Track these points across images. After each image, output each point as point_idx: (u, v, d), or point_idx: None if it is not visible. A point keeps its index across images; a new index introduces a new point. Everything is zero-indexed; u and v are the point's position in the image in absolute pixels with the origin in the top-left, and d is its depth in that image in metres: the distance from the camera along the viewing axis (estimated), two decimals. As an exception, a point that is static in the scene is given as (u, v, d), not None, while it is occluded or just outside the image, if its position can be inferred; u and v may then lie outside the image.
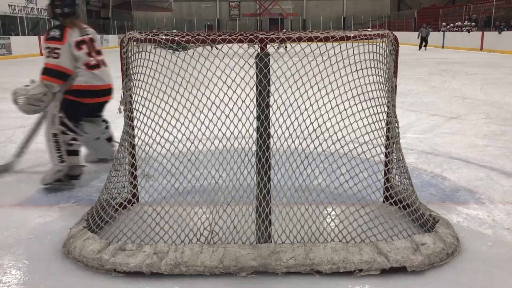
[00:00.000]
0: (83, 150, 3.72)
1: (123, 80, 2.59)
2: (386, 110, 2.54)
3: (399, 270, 2.14)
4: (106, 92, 3.50)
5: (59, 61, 3.20)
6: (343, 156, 2.51)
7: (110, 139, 3.87)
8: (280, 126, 2.32)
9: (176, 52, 2.36)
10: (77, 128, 3.39)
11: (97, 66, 3.40)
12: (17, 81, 11.03)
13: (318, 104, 2.34)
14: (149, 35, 2.35)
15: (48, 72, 3.21)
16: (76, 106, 3.31)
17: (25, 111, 3.31)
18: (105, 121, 3.82)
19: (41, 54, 21.28)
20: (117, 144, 3.78)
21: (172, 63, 2.33)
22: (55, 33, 3.25)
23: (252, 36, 2.22)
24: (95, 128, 3.65)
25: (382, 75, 2.52)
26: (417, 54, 20.69)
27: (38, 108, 3.28)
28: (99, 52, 3.48)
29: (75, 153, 3.42)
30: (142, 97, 2.47)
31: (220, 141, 2.39)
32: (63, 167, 3.30)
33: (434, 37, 26.81)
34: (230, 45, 2.24)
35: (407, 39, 29.28)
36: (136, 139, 2.56)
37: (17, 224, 2.77)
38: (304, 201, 2.42)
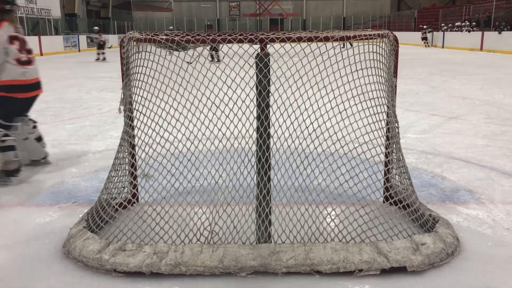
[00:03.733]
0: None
1: (123, 80, 2.59)
2: (386, 110, 2.54)
3: (399, 270, 2.14)
4: (37, 85, 3.55)
5: None
6: (343, 156, 2.51)
7: (39, 139, 3.87)
8: (280, 126, 2.32)
9: (176, 52, 2.36)
10: (9, 125, 3.42)
11: (28, 62, 3.49)
12: (17, 81, 11.02)
13: (318, 104, 2.34)
14: (149, 35, 2.35)
15: None
16: (8, 102, 3.36)
17: None
18: (32, 120, 3.83)
19: (41, 54, 21.35)
20: (46, 145, 3.88)
21: (172, 63, 2.33)
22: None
23: (252, 36, 2.22)
24: (22, 128, 3.67)
25: (382, 75, 2.51)
26: (417, 54, 20.70)
27: None
28: (29, 51, 3.59)
29: (9, 148, 3.45)
30: (142, 97, 2.47)
31: (220, 141, 2.39)
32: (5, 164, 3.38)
33: (434, 37, 27.11)
34: (230, 45, 2.24)
35: (407, 39, 29.31)
36: (136, 139, 2.56)
37: (17, 224, 2.77)
38: (304, 201, 2.42)
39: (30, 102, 3.56)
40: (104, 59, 18.07)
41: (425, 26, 28.26)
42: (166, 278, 2.12)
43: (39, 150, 3.83)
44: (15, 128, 3.50)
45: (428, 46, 27.32)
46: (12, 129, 3.46)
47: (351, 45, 2.42)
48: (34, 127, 3.82)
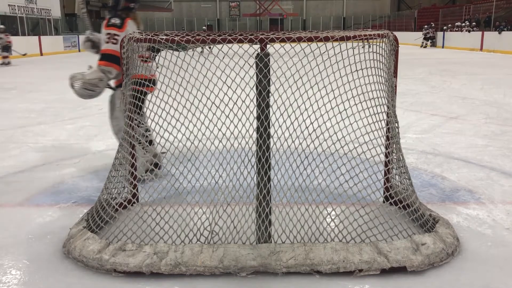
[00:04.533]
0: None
1: (123, 80, 2.59)
2: (386, 110, 2.54)
3: (399, 270, 2.14)
4: (154, 82, 3.50)
5: (117, 47, 3.17)
6: (343, 156, 2.51)
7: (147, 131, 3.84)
8: (280, 126, 2.32)
9: (176, 52, 2.36)
10: (142, 118, 3.36)
11: (148, 59, 3.42)
12: (17, 81, 11.05)
13: (318, 104, 2.34)
14: (149, 35, 2.35)
15: (106, 57, 3.24)
16: (140, 96, 3.27)
17: (80, 95, 3.29)
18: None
19: (41, 54, 21.35)
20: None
21: (172, 63, 2.33)
22: (116, 21, 3.34)
23: (252, 36, 2.22)
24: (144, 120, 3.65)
25: (382, 75, 2.52)
26: (417, 54, 20.70)
27: (93, 93, 3.27)
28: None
29: (151, 142, 3.46)
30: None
31: (220, 141, 2.39)
32: (147, 159, 3.33)
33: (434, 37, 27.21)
34: (230, 45, 2.24)
35: (407, 39, 29.32)
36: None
37: (17, 224, 2.77)
38: (304, 201, 2.42)
39: (146, 97, 3.49)
40: (8, 63, 15.43)
41: (425, 26, 28.06)
42: (166, 278, 2.12)
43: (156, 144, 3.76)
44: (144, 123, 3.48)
45: (426, 46, 27.03)
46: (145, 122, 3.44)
47: (368, 44, 2.43)
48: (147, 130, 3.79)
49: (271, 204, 2.32)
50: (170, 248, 2.21)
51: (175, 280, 2.11)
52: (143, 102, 3.21)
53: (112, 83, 3.43)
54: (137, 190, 2.81)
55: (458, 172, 3.67)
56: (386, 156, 2.66)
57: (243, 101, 2.33)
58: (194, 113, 2.40)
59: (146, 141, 3.38)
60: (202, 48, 2.32)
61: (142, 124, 3.30)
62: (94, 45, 3.59)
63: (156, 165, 3.26)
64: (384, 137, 2.63)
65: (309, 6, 44.35)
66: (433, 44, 27.16)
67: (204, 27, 37.02)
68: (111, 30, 3.29)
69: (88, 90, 3.21)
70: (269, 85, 2.26)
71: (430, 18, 32.78)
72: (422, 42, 27.20)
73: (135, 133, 3.20)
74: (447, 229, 2.40)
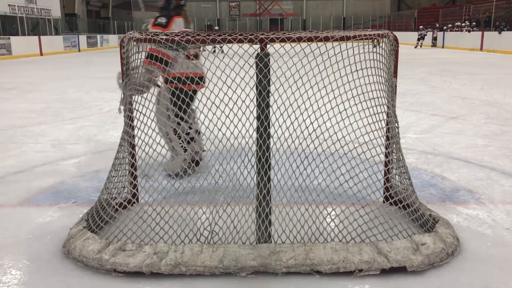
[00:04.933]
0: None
1: (123, 80, 2.59)
2: (386, 110, 2.54)
3: (399, 270, 2.14)
4: (201, 79, 3.48)
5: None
6: (343, 156, 2.51)
7: (199, 132, 3.75)
8: (280, 126, 2.32)
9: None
10: (185, 116, 3.34)
11: (195, 56, 3.44)
12: (17, 81, 11.05)
13: (318, 104, 2.34)
14: (149, 35, 2.35)
15: (150, 56, 3.21)
16: (181, 94, 3.20)
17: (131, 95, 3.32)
18: (194, 113, 3.74)
19: (41, 54, 21.35)
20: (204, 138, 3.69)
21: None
22: (162, 20, 3.38)
23: (252, 36, 2.22)
24: (190, 118, 3.63)
25: (382, 75, 2.51)
26: (417, 54, 20.70)
27: (143, 92, 3.27)
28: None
29: (193, 139, 3.46)
30: (142, 97, 2.47)
31: (220, 141, 2.39)
32: (186, 156, 3.34)
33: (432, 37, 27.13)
34: (230, 45, 2.24)
35: (407, 39, 29.31)
36: (136, 139, 2.56)
37: (17, 224, 2.77)
38: (304, 201, 2.42)
39: (195, 94, 3.49)
40: None
41: (421, 27, 28.02)
42: (166, 278, 2.12)
43: (198, 142, 3.66)
44: (187, 120, 3.46)
45: (420, 47, 26.97)
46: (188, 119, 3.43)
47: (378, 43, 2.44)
48: (194, 117, 3.74)
49: (271, 204, 2.32)
50: (170, 248, 2.21)
51: (175, 280, 2.11)
52: (191, 99, 3.30)
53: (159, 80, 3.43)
54: (137, 190, 2.81)
55: (458, 172, 3.67)
56: (386, 156, 2.66)
57: (243, 101, 2.33)
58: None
59: (187, 139, 3.38)
60: (214, 47, 2.33)
61: (188, 121, 3.30)
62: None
63: (197, 162, 3.29)
64: (384, 137, 2.63)
65: (309, 6, 44.36)
66: (434, 44, 27.17)
67: (216, 27, 37.09)
68: (156, 29, 3.32)
69: (138, 90, 3.21)
70: (269, 85, 2.26)
71: (430, 18, 32.79)
72: (417, 44, 27.30)
73: (178, 130, 3.27)
74: (447, 229, 2.40)
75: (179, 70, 3.29)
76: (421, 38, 27.18)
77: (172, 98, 2.96)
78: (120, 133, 2.69)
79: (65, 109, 6.99)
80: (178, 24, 3.43)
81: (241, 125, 2.36)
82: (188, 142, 3.39)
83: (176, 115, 3.17)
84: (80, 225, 2.47)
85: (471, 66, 13.99)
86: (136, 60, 2.48)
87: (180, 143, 3.38)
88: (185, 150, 3.36)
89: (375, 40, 2.38)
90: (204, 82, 3.46)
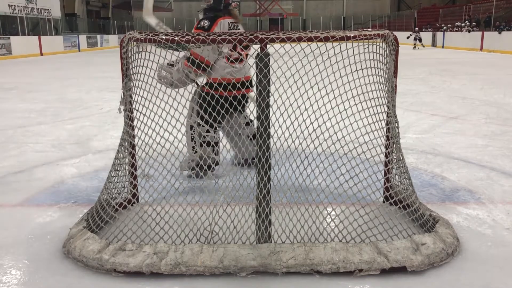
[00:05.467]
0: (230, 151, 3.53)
1: (123, 80, 2.59)
2: (386, 110, 2.54)
3: (399, 270, 2.14)
4: (246, 84, 3.35)
5: (200, 50, 3.14)
6: (343, 156, 2.51)
7: (253, 137, 3.48)
8: (280, 126, 2.32)
9: (176, 52, 2.35)
10: (215, 122, 3.17)
11: (239, 60, 3.30)
12: (17, 81, 11.05)
13: (318, 104, 2.34)
14: (149, 35, 2.35)
15: (189, 60, 3.19)
16: (214, 99, 2.98)
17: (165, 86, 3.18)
18: (246, 117, 3.56)
19: (41, 54, 21.35)
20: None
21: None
22: (205, 23, 3.29)
23: (252, 36, 2.22)
24: (233, 123, 3.47)
25: (382, 75, 2.51)
26: (417, 54, 20.70)
27: (175, 87, 3.07)
28: (246, 46, 3.26)
29: (208, 144, 3.33)
30: (142, 97, 2.47)
31: (220, 141, 2.39)
32: (194, 157, 3.28)
33: (434, 37, 27.00)
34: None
35: (408, 39, 29.30)
36: (136, 139, 2.56)
37: (17, 224, 2.77)
38: (304, 201, 2.42)
39: (236, 100, 3.12)
40: None
41: (416, 28, 27.41)
42: (166, 278, 2.12)
43: (250, 149, 3.38)
44: (219, 125, 3.33)
45: (417, 48, 26.26)
46: (217, 125, 3.28)
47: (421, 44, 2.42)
48: (247, 124, 3.54)
49: (271, 204, 2.32)
50: (170, 248, 2.21)
51: (175, 280, 2.11)
52: (219, 105, 2.80)
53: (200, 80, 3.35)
54: (137, 190, 2.81)
55: (458, 172, 3.67)
56: (386, 156, 2.65)
57: (244, 101, 2.33)
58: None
59: (201, 141, 3.27)
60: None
61: (205, 125, 3.15)
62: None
63: (206, 167, 3.12)
64: (384, 137, 2.63)
65: (309, 6, 44.36)
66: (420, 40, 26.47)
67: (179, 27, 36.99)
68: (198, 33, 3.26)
69: (175, 88, 3.02)
70: (269, 85, 2.26)
71: (430, 18, 32.79)
72: (414, 44, 26.65)
73: (196, 131, 3.22)
74: (447, 229, 2.40)
75: (214, 76, 3.16)
76: (417, 39, 26.74)
77: (198, 100, 2.93)
78: (120, 133, 2.69)
79: (65, 109, 6.99)
80: (222, 26, 3.32)
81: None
82: (201, 145, 3.28)
83: (200, 116, 3.13)
84: (80, 225, 2.47)
85: (471, 66, 13.99)
86: (136, 61, 2.47)
87: (192, 143, 3.31)
88: (195, 152, 3.29)
89: (371, 40, 2.38)
90: (248, 87, 3.37)
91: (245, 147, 3.33)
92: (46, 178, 3.63)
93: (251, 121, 3.55)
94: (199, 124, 3.24)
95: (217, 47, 3.17)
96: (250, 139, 3.41)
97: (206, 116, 2.94)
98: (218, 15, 3.36)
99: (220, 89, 2.70)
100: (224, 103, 2.79)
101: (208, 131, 3.28)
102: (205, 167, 3.09)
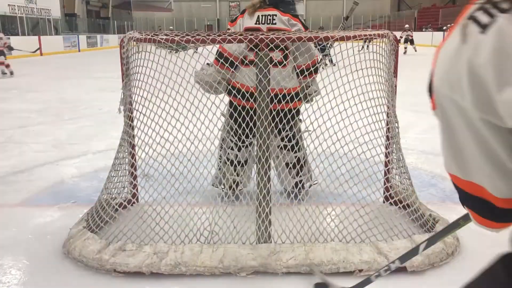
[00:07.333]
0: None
1: (123, 80, 2.59)
2: (386, 110, 2.53)
3: (399, 270, 2.13)
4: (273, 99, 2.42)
5: (228, 46, 2.68)
6: (343, 156, 2.51)
7: (293, 166, 2.83)
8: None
9: (176, 53, 2.35)
10: (243, 137, 2.56)
11: (250, 63, 2.49)
12: (17, 81, 11.04)
13: (318, 104, 2.34)
14: (149, 35, 2.35)
15: (217, 54, 2.75)
16: (236, 109, 2.64)
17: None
18: (283, 139, 2.80)
19: (41, 54, 21.32)
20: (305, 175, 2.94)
21: (172, 63, 2.33)
22: (236, 14, 2.97)
23: (252, 36, 2.22)
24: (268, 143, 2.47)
25: (382, 75, 2.51)
26: (417, 54, 20.69)
27: (212, 92, 2.66)
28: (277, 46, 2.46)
29: (231, 163, 2.92)
30: (142, 97, 2.47)
31: (221, 141, 2.39)
32: (218, 174, 2.98)
33: (434, 37, 26.92)
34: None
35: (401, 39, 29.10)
36: (136, 139, 2.56)
37: (17, 224, 2.77)
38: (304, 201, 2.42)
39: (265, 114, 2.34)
40: (11, 73, 11.74)
41: (407, 26, 22.26)
42: (166, 278, 2.12)
43: (286, 178, 2.79)
44: (242, 143, 2.79)
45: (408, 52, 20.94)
46: (247, 140, 2.69)
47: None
48: (285, 147, 2.86)
49: (271, 204, 2.32)
50: (170, 248, 2.21)
51: (175, 280, 2.11)
52: (241, 117, 2.49)
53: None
54: (137, 190, 2.81)
55: (458, 172, 3.66)
56: (386, 156, 2.65)
57: (243, 102, 2.33)
58: (194, 112, 2.40)
59: (224, 159, 2.93)
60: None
61: (231, 140, 2.81)
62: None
63: (230, 186, 2.84)
64: (384, 137, 2.63)
65: (309, 6, 44.35)
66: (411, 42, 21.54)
67: (171, 27, 36.90)
68: (229, 25, 2.94)
69: (207, 90, 2.72)
70: (269, 85, 2.26)
71: (430, 18, 32.79)
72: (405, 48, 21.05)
73: (223, 146, 2.84)
74: (447, 229, 2.40)
75: (236, 79, 2.71)
76: (407, 40, 21.38)
77: (229, 109, 2.65)
78: (120, 133, 2.68)
79: (65, 109, 6.99)
80: (245, 20, 2.86)
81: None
82: (225, 162, 2.93)
83: (230, 129, 2.75)
84: (80, 225, 2.47)
85: (471, 66, 13.96)
86: (136, 60, 2.47)
87: (219, 158, 2.94)
88: (219, 168, 2.95)
89: (367, 41, 2.36)
90: (277, 103, 2.51)
91: (284, 175, 2.81)
92: (46, 178, 3.63)
93: (293, 147, 2.87)
94: (223, 139, 2.88)
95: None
96: (290, 168, 2.85)
97: (232, 130, 2.58)
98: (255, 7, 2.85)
99: (239, 97, 2.48)
100: (246, 116, 2.42)
101: (232, 148, 2.86)
102: (227, 186, 2.81)
